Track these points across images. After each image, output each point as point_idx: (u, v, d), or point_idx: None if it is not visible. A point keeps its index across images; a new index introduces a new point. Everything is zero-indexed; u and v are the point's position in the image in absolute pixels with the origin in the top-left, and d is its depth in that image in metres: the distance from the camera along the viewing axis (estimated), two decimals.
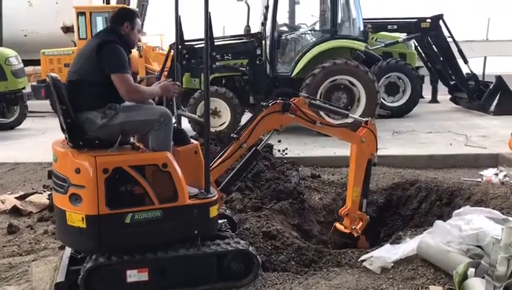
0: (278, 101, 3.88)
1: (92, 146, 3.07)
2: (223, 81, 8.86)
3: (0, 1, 11.39)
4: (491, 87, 10.68)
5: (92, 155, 2.95)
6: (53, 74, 3.13)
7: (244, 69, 8.93)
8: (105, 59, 3.08)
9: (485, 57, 15.55)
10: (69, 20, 14.14)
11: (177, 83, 3.43)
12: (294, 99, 3.97)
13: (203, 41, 8.83)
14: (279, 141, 7.74)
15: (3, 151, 7.67)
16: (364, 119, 4.21)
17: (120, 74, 3.06)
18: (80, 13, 12.29)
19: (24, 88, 10.27)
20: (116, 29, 3.28)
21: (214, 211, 3.25)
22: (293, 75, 8.73)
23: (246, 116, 10.00)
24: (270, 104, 3.88)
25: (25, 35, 14.75)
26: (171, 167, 3.05)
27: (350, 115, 4.30)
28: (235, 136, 3.86)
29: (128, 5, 13.42)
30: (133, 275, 2.96)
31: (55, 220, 3.48)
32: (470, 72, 11.43)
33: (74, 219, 2.96)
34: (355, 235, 4.13)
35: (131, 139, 3.37)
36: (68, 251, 3.31)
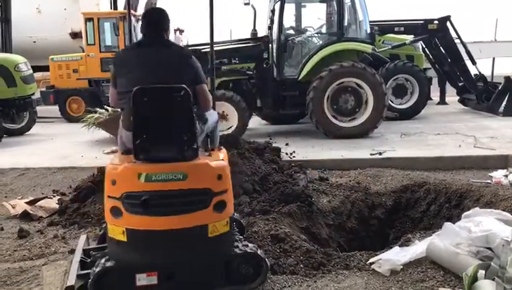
0: None
1: (196, 154, 2.96)
2: (230, 85, 8.89)
3: (9, 8, 11.49)
4: (499, 88, 10.64)
5: (219, 159, 3.01)
6: (183, 86, 2.82)
7: (251, 72, 8.96)
8: (195, 70, 3.15)
9: (494, 58, 15.49)
10: (77, 26, 14.27)
11: None
12: None
13: (207, 46, 8.91)
14: (287, 144, 7.75)
15: (14, 156, 7.75)
16: None
17: (205, 85, 3.18)
18: (88, 19, 12.42)
19: (33, 94, 10.36)
20: (164, 35, 3.23)
21: None
22: (300, 78, 8.75)
23: (253, 120, 10.05)
24: None
25: (34, 42, 14.91)
26: None
27: None
28: None
29: (136, 10, 13.52)
30: (143, 279, 2.97)
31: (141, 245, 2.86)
32: (478, 73, 11.39)
33: (218, 227, 2.89)
34: None
35: None
36: (78, 255, 3.33)
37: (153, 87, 2.90)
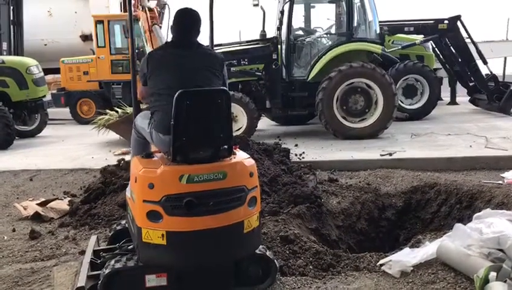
0: None
1: (231, 153, 3.04)
2: (239, 86, 8.90)
3: (21, 11, 11.60)
4: (511, 88, 10.51)
5: (248, 158, 3.09)
6: (225, 88, 3.05)
7: (260, 73, 8.97)
8: (225, 74, 3.28)
9: (505, 58, 15.33)
10: (87, 28, 14.38)
11: None
12: None
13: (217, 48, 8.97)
14: (296, 145, 7.74)
15: (25, 158, 7.82)
16: None
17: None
18: (98, 22, 12.51)
19: (44, 96, 10.46)
20: (197, 37, 3.27)
21: None
22: (309, 79, 8.73)
23: (263, 121, 10.04)
24: None
25: (45, 45, 15.03)
26: None
27: None
28: None
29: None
30: (152, 280, 2.98)
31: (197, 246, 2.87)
32: (489, 73, 11.28)
33: (252, 222, 2.96)
34: None
35: None
36: (88, 256, 3.35)
37: (197, 90, 2.93)
